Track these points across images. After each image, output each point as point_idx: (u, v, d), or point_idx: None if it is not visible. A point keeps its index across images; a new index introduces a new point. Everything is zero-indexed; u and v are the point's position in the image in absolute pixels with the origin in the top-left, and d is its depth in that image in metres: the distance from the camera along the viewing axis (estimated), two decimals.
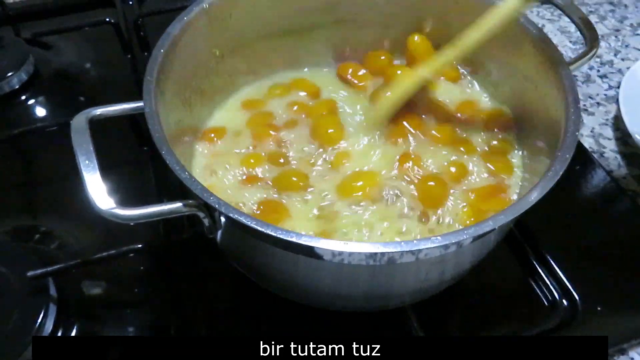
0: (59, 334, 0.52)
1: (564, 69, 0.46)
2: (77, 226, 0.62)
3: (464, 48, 0.53)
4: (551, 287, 0.57)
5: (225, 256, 0.52)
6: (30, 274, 0.51)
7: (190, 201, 0.40)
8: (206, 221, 0.42)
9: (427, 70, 0.56)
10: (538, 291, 0.57)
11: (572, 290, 0.56)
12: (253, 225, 0.37)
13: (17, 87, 0.76)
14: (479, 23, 0.51)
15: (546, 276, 0.58)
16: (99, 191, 0.39)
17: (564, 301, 0.56)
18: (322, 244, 0.37)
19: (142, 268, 0.58)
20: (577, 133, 0.42)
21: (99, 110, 0.45)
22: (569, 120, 0.43)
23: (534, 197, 0.38)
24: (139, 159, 0.68)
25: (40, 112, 0.77)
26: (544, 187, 0.39)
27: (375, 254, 0.37)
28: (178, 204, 0.40)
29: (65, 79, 0.80)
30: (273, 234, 0.36)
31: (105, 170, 0.64)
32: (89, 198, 0.39)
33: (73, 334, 0.53)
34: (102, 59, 0.83)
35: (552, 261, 0.58)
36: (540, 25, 0.86)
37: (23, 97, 0.77)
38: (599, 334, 0.53)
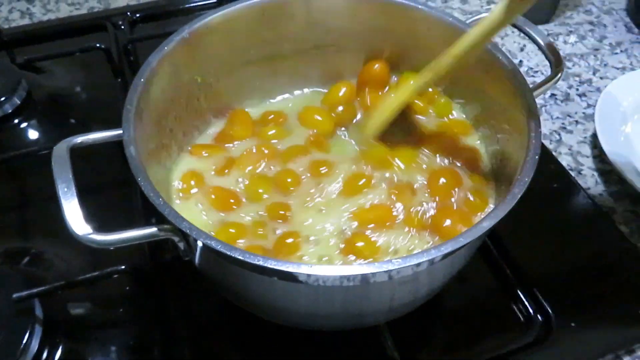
0: (45, 354, 0.54)
1: (528, 94, 0.48)
2: (67, 248, 0.64)
3: (440, 71, 0.54)
4: (526, 303, 0.58)
5: (204, 278, 0.53)
6: (15, 296, 0.53)
7: (166, 226, 0.42)
8: (181, 245, 0.44)
9: (407, 93, 0.58)
10: (514, 307, 0.59)
11: (546, 306, 0.58)
12: (222, 250, 0.38)
13: (10, 111, 0.78)
14: (453, 47, 0.52)
15: (522, 293, 0.59)
16: (76, 217, 0.41)
17: (539, 317, 0.57)
18: (289, 267, 0.39)
19: (127, 288, 0.60)
20: (536, 157, 0.43)
21: (80, 139, 0.47)
22: (530, 144, 0.45)
23: (488, 223, 0.40)
24: (127, 183, 0.70)
25: (33, 135, 0.79)
26: (502, 211, 0.40)
27: (341, 276, 0.39)
28: (153, 229, 0.42)
29: (57, 103, 0.82)
30: (241, 257, 0.38)
31: (94, 193, 0.67)
32: (66, 224, 0.41)
33: (58, 354, 0.54)
34: (94, 83, 0.85)
35: (527, 277, 0.60)
36: (520, 46, 0.89)
37: (16, 121, 0.78)
38: (573, 350, 0.55)
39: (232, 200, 0.55)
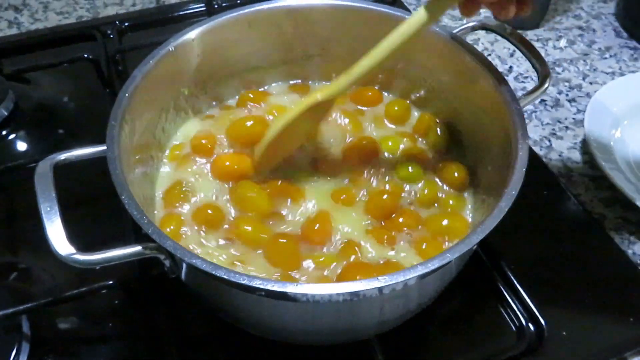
0: None
1: (515, 105, 0.48)
2: (55, 263, 0.62)
3: (357, 74, 0.52)
4: (518, 312, 0.58)
5: (192, 295, 0.53)
6: (1, 313, 0.52)
7: (151, 244, 0.42)
8: (167, 262, 0.43)
9: (319, 95, 0.53)
10: (505, 317, 0.58)
11: (538, 315, 0.57)
12: (206, 269, 0.38)
13: None
14: (374, 49, 0.51)
15: (513, 302, 0.59)
16: (59, 237, 0.40)
17: (531, 326, 0.57)
18: (276, 287, 0.38)
19: (116, 303, 0.59)
20: (523, 169, 0.43)
21: (64, 156, 0.46)
22: (517, 156, 0.44)
23: (475, 238, 0.40)
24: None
25: (21, 147, 0.78)
26: (489, 225, 0.40)
27: (329, 294, 0.39)
28: (138, 248, 0.41)
29: (45, 114, 0.82)
30: (225, 277, 0.38)
31: (85, 205, 0.66)
32: (49, 244, 0.40)
33: None
34: (82, 94, 0.84)
35: (519, 286, 0.59)
36: (510, 52, 0.89)
37: (4, 133, 0.78)
38: (565, 359, 0.55)
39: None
